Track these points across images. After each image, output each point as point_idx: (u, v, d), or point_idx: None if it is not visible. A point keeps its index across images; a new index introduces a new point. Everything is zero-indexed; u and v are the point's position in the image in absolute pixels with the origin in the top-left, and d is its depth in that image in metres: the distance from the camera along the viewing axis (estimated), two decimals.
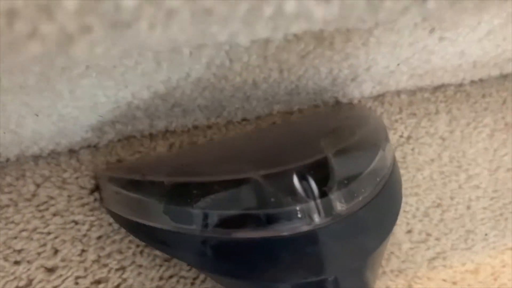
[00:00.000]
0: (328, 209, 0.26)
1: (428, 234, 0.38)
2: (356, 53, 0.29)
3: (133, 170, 0.30)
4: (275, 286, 0.27)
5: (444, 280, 0.37)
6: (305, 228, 0.25)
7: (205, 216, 0.26)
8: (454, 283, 0.37)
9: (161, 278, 0.31)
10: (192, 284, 0.32)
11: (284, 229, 0.25)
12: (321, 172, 0.26)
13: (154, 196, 0.27)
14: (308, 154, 0.27)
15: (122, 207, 0.29)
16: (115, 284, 0.31)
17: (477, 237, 0.39)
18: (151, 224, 0.27)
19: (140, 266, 0.32)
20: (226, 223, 0.26)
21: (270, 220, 0.25)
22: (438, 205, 0.39)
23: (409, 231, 0.37)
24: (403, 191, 0.33)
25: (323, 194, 0.26)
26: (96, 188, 0.32)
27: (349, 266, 0.27)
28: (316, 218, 0.25)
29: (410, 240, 0.37)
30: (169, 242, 0.28)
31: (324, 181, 0.26)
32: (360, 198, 0.27)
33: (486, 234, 0.39)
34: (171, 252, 0.29)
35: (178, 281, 0.32)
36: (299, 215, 0.25)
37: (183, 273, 0.32)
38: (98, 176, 0.32)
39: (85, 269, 0.30)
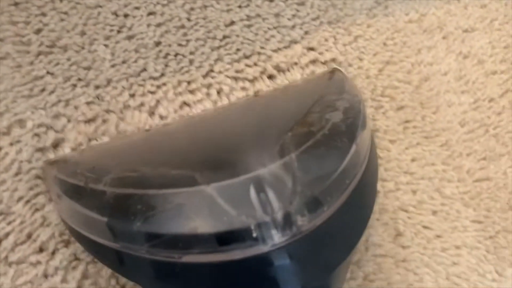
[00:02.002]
0: (288, 226, 0.22)
1: None
2: None
3: (77, 171, 0.25)
4: None
5: (387, 28, 0.36)
6: (261, 249, 0.22)
7: (150, 236, 0.22)
8: (397, 31, 0.36)
9: None
10: None
11: (237, 252, 0.22)
12: (281, 181, 0.22)
13: (96, 208, 0.23)
14: (267, 157, 0.23)
15: (65, 214, 0.26)
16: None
17: None
18: (94, 238, 0.24)
19: None
20: (173, 244, 0.22)
21: (222, 242, 0.22)
22: None
23: None
24: None
25: (283, 208, 0.22)
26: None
27: (312, 285, 0.23)
28: (274, 237, 0.22)
29: None
30: (114, 260, 0.24)
31: (284, 192, 0.22)
32: (325, 208, 0.23)
33: None
34: (116, 270, 0.26)
35: None
36: (254, 235, 0.22)
37: None
38: (44, 170, 0.28)
39: None
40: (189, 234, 0.22)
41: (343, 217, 0.24)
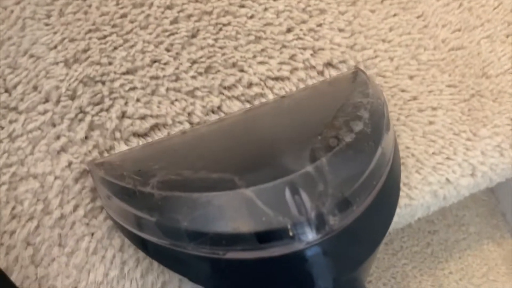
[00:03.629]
0: (321, 225, 0.24)
1: None
2: None
3: (124, 174, 0.27)
4: None
5: None
6: (296, 247, 0.24)
7: (196, 234, 0.24)
8: None
9: None
10: None
11: (275, 249, 0.24)
12: (313, 183, 0.24)
13: (145, 209, 0.26)
14: (300, 161, 0.25)
15: (115, 213, 0.28)
16: None
17: None
18: (144, 236, 0.26)
19: None
20: (218, 242, 0.24)
21: (261, 240, 0.24)
22: None
23: None
24: None
25: (316, 209, 0.24)
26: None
27: (342, 277, 0.26)
28: (309, 236, 0.24)
29: None
30: (163, 256, 0.27)
31: (317, 194, 0.24)
32: (354, 208, 0.25)
33: None
34: (165, 264, 0.28)
35: None
36: (291, 234, 0.24)
37: None
38: (91, 170, 0.29)
39: None
40: (231, 233, 0.24)
41: (370, 216, 0.26)
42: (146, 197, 0.25)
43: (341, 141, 0.26)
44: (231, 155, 0.28)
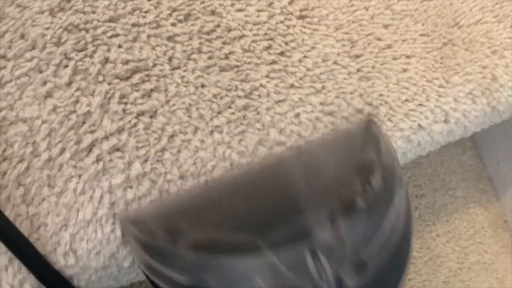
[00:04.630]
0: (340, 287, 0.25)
1: None
2: None
3: (154, 231, 0.28)
4: None
5: None
6: None
7: None
8: None
9: None
10: None
11: None
12: (332, 247, 0.26)
13: (176, 269, 0.27)
14: (319, 222, 0.26)
15: (147, 268, 0.29)
16: None
17: None
18: None
19: None
20: None
21: None
22: None
23: None
24: None
25: (335, 273, 0.25)
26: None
27: None
28: None
29: None
30: None
31: (336, 257, 0.26)
32: (370, 269, 0.26)
33: None
34: None
35: None
36: None
37: None
38: (123, 225, 0.30)
39: None
40: None
41: (384, 275, 0.28)
42: (177, 259, 0.27)
43: (357, 202, 0.28)
44: (253, 213, 0.29)
